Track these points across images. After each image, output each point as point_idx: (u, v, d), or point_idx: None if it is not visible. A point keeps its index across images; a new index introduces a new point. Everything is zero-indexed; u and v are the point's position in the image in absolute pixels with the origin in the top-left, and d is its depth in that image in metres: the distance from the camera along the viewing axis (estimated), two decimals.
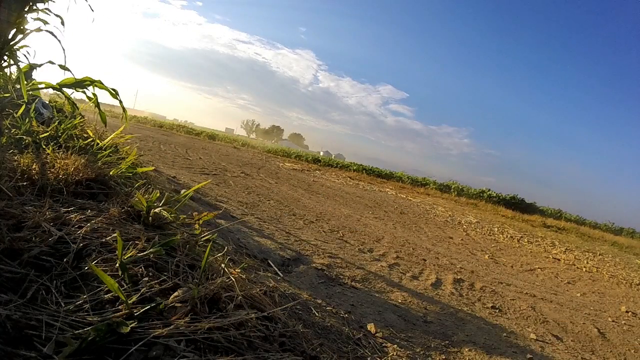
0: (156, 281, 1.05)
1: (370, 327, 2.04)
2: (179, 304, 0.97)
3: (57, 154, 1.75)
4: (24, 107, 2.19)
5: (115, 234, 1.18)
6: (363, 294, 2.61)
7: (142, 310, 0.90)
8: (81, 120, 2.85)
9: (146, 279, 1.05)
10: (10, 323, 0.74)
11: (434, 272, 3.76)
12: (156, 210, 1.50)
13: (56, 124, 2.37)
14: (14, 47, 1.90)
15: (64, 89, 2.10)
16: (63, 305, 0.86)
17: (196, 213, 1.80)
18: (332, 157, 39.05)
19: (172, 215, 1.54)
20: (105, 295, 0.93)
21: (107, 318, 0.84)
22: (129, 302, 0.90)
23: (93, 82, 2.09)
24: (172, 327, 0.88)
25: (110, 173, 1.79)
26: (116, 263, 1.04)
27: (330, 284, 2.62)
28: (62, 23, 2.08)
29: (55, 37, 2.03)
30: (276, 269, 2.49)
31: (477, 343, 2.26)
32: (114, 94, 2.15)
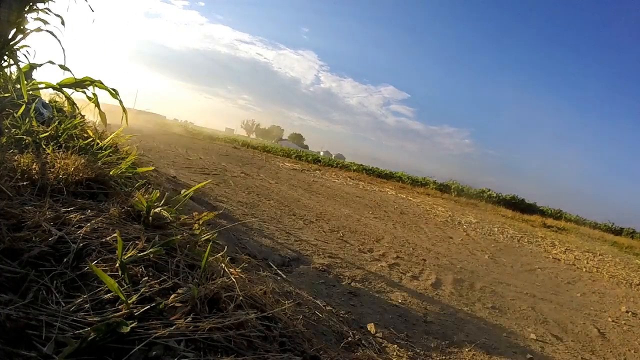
0: (156, 281, 1.05)
1: (370, 327, 2.04)
2: (179, 304, 0.97)
3: (57, 154, 1.75)
4: (24, 107, 2.19)
5: (115, 234, 1.17)
6: (363, 294, 2.61)
7: (142, 310, 0.90)
8: (81, 120, 2.85)
9: (146, 279, 1.05)
10: (10, 323, 0.74)
11: (434, 272, 3.76)
12: (156, 210, 1.50)
13: (56, 124, 2.36)
14: (14, 47, 1.90)
15: (64, 89, 2.10)
16: (63, 305, 0.86)
17: (196, 213, 1.80)
18: (332, 157, 39.03)
19: (172, 215, 1.54)
20: (105, 295, 0.92)
21: (107, 318, 0.84)
22: (129, 302, 0.90)
23: (93, 82, 2.09)
24: (172, 327, 0.88)
25: (110, 173, 1.79)
26: (116, 263, 1.04)
27: (330, 284, 2.62)
28: (62, 23, 2.08)
29: (55, 37, 2.03)
30: (276, 269, 2.49)
31: (477, 343, 2.26)
32: (114, 93, 2.15)
